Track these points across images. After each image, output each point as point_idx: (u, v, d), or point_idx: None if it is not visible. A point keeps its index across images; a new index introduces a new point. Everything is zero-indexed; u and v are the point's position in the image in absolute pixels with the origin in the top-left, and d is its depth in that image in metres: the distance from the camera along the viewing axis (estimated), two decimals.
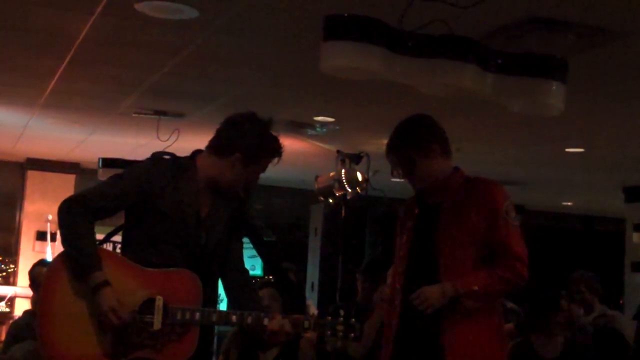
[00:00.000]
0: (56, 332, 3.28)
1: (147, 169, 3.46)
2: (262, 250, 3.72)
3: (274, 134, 3.55)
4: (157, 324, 3.27)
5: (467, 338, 3.50)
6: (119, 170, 3.61)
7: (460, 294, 3.45)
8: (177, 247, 3.38)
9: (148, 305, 3.28)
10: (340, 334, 3.44)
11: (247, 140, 3.46)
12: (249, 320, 3.37)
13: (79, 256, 3.27)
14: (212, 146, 3.53)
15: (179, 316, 3.29)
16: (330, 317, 3.48)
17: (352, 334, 3.45)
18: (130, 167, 3.64)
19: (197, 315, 3.31)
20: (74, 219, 3.29)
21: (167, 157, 3.53)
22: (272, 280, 7.41)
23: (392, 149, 3.70)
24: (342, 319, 3.45)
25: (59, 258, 3.35)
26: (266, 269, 12.12)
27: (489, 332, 3.56)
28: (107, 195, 3.39)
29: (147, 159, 3.53)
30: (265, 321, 3.38)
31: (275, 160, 3.56)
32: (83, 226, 3.30)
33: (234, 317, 3.37)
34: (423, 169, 3.62)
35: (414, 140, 3.63)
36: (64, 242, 3.32)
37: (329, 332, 3.46)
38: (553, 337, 5.05)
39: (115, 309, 3.22)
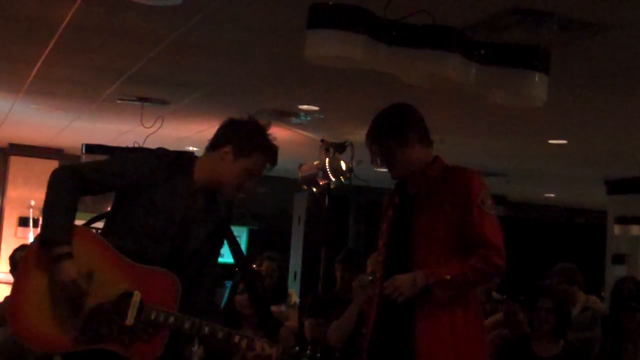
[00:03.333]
0: (26, 310, 3.23)
1: (151, 159, 3.40)
2: (238, 257, 3.66)
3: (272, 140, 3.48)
4: (129, 319, 3.20)
5: (440, 329, 3.48)
6: (102, 157, 3.58)
7: (431, 282, 3.43)
8: (156, 243, 3.32)
9: (125, 299, 3.22)
10: None
11: (239, 133, 3.42)
12: (220, 335, 3.27)
13: (51, 223, 3.21)
14: (209, 143, 3.50)
15: (152, 316, 3.22)
16: (297, 348, 3.44)
17: None
18: (133, 152, 3.57)
19: (171, 319, 3.23)
20: (63, 185, 3.23)
21: (170, 154, 3.46)
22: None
23: (371, 138, 3.70)
24: (308, 352, 3.39)
25: (36, 241, 3.31)
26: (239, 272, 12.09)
27: (465, 323, 3.52)
28: (102, 171, 3.34)
29: (152, 150, 3.48)
30: (236, 339, 3.28)
31: (268, 164, 3.45)
32: (67, 196, 3.22)
33: (206, 329, 3.26)
34: (401, 157, 3.62)
35: (391, 129, 3.61)
36: (44, 206, 3.24)
37: None
38: (550, 337, 5.04)
39: (75, 280, 3.16)
